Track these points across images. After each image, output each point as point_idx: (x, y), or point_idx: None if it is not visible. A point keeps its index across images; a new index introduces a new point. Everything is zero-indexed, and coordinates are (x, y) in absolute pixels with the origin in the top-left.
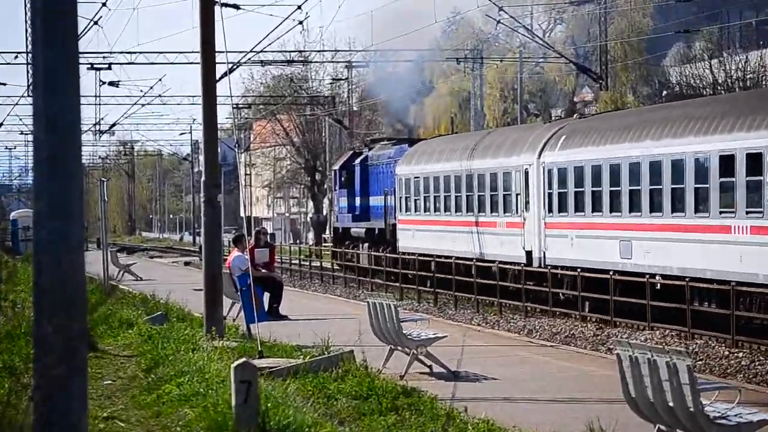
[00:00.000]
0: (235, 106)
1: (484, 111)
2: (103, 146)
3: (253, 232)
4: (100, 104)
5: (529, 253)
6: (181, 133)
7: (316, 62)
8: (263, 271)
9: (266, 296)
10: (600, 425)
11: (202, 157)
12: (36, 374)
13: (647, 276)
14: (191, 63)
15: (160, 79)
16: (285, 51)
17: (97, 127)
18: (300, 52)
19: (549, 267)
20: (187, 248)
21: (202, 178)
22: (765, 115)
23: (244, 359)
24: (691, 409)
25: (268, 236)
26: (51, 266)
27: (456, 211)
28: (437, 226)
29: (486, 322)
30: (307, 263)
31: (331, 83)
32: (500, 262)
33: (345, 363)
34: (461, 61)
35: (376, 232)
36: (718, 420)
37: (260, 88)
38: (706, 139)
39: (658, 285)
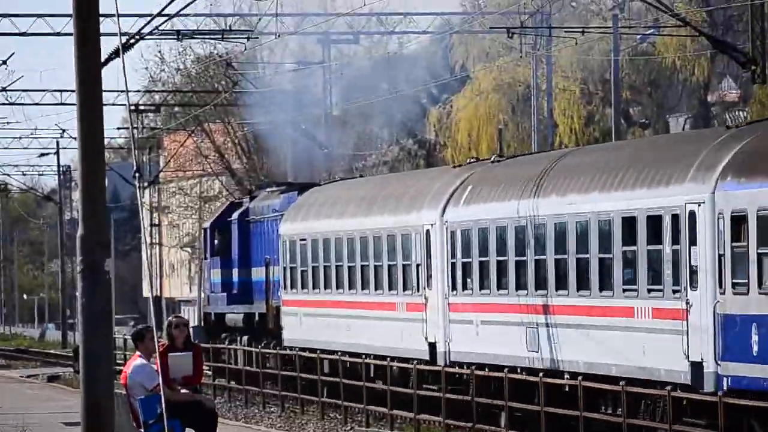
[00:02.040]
0: (133, 107)
1: (555, 118)
2: None
3: (165, 325)
4: None
5: (432, 346)
6: (43, 155)
7: (270, 34)
8: (183, 391)
9: None
10: None
11: (77, 195)
12: None
13: (540, 375)
14: (59, 34)
15: (4, 62)
16: (217, 15)
17: None
18: (242, 16)
19: (453, 365)
20: (52, 351)
21: (79, 232)
22: (666, 168)
23: None
24: None
25: (191, 331)
26: None
27: (350, 288)
28: (328, 309)
29: None
30: (257, 373)
31: (295, 70)
32: (399, 359)
33: None
34: (514, 32)
35: (257, 318)
36: None
37: (176, 78)
38: (610, 196)
39: (567, 387)
